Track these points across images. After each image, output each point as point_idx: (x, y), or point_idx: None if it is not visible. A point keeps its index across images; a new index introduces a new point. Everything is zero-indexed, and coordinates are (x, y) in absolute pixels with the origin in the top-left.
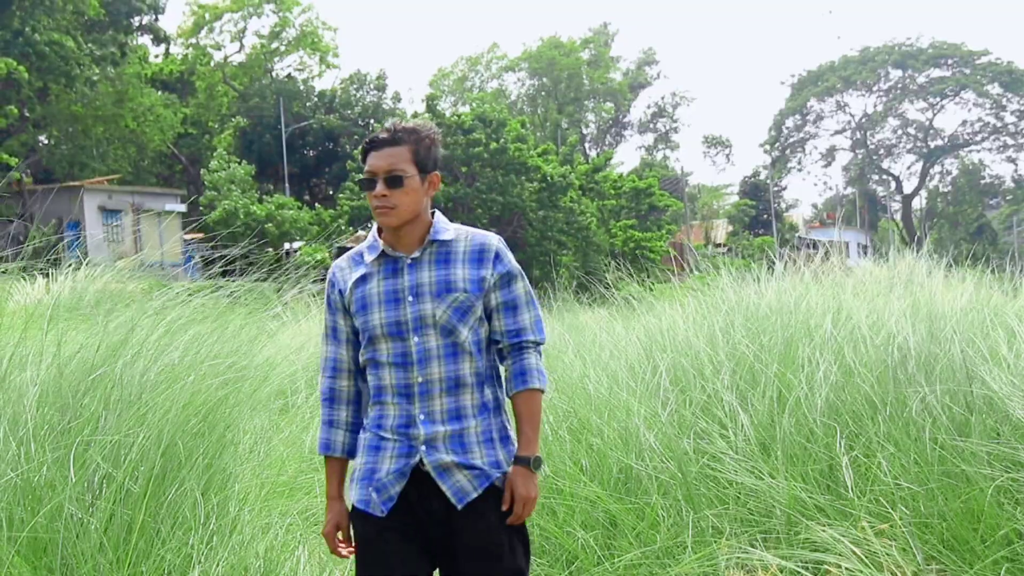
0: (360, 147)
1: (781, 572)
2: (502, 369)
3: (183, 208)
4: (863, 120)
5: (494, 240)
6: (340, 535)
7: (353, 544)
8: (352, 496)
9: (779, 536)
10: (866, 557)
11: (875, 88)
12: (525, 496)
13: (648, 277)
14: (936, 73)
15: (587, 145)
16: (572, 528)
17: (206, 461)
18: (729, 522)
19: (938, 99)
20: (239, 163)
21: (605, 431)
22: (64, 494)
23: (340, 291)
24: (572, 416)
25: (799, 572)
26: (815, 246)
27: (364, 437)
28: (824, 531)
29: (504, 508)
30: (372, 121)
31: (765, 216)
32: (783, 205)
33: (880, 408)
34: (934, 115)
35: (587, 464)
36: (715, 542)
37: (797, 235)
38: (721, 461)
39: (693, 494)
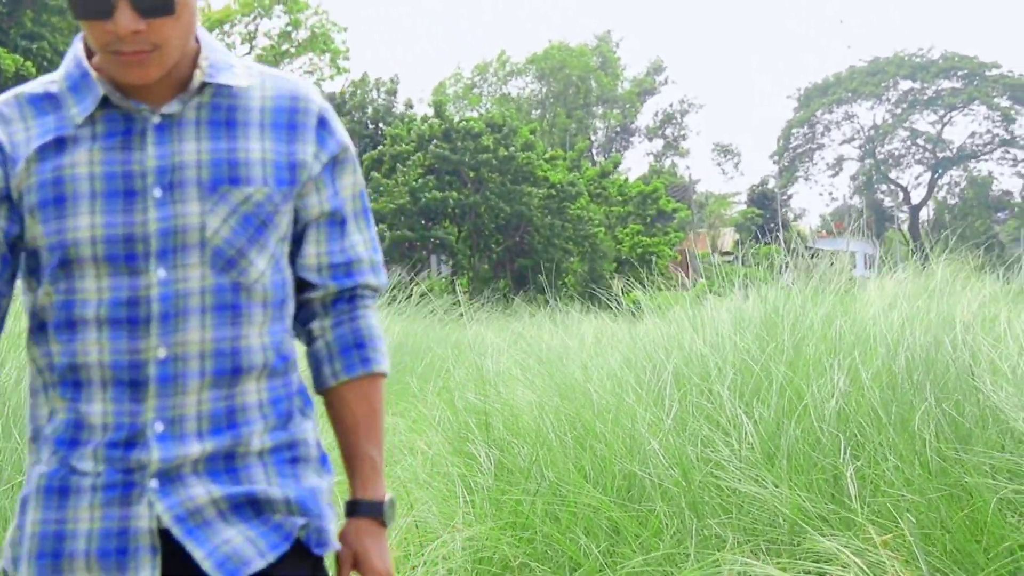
0: None
1: None
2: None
3: None
4: (871, 131)
5: (314, 93)
6: None
7: None
8: None
9: (782, 546)
10: (869, 568)
11: (884, 99)
12: (383, 573)
13: (655, 284)
14: (946, 84)
15: (595, 151)
16: (575, 534)
17: None
18: (732, 531)
19: (947, 111)
20: None
21: (609, 437)
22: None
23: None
24: (576, 421)
25: None
26: (822, 255)
27: (37, 472)
28: (827, 541)
29: None
30: (382, 124)
31: (772, 225)
32: (790, 214)
33: (885, 417)
34: (943, 126)
35: (590, 470)
36: (718, 551)
37: (805, 244)
38: (725, 469)
39: (697, 502)
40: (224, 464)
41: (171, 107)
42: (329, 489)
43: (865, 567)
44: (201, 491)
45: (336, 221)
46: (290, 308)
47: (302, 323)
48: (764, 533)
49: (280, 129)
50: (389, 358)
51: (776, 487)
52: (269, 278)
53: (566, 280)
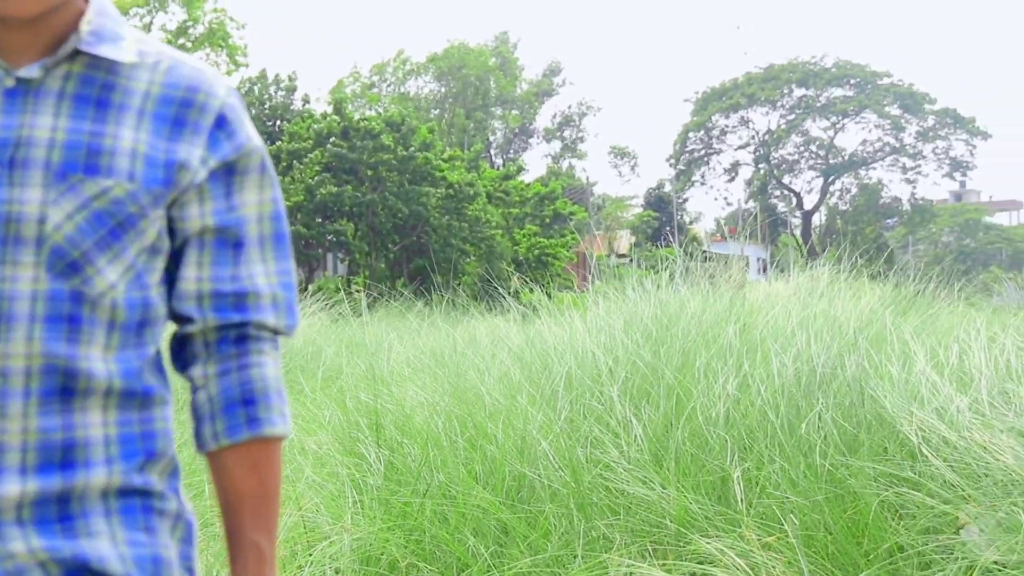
0: None
1: None
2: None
3: None
4: (766, 136)
5: (219, 87)
6: None
7: None
8: None
9: (668, 547)
10: (751, 570)
11: (779, 105)
12: None
13: (551, 285)
14: (839, 92)
15: (493, 152)
16: (464, 535)
17: None
18: (620, 532)
19: (840, 118)
20: None
21: (500, 438)
22: None
23: None
24: (468, 422)
25: None
26: (717, 259)
27: None
28: (711, 543)
29: None
30: (280, 121)
31: (668, 228)
32: (686, 218)
33: (774, 421)
34: (835, 133)
35: (481, 471)
36: (605, 552)
37: (700, 248)
38: (614, 471)
39: (585, 503)
40: (57, 510)
41: (30, 71)
42: (184, 563)
43: (748, 568)
44: (21, 547)
45: (227, 241)
46: (154, 335)
47: (183, 367)
48: (651, 534)
49: (163, 122)
50: (287, 414)
51: (663, 488)
52: (122, 294)
53: (463, 280)
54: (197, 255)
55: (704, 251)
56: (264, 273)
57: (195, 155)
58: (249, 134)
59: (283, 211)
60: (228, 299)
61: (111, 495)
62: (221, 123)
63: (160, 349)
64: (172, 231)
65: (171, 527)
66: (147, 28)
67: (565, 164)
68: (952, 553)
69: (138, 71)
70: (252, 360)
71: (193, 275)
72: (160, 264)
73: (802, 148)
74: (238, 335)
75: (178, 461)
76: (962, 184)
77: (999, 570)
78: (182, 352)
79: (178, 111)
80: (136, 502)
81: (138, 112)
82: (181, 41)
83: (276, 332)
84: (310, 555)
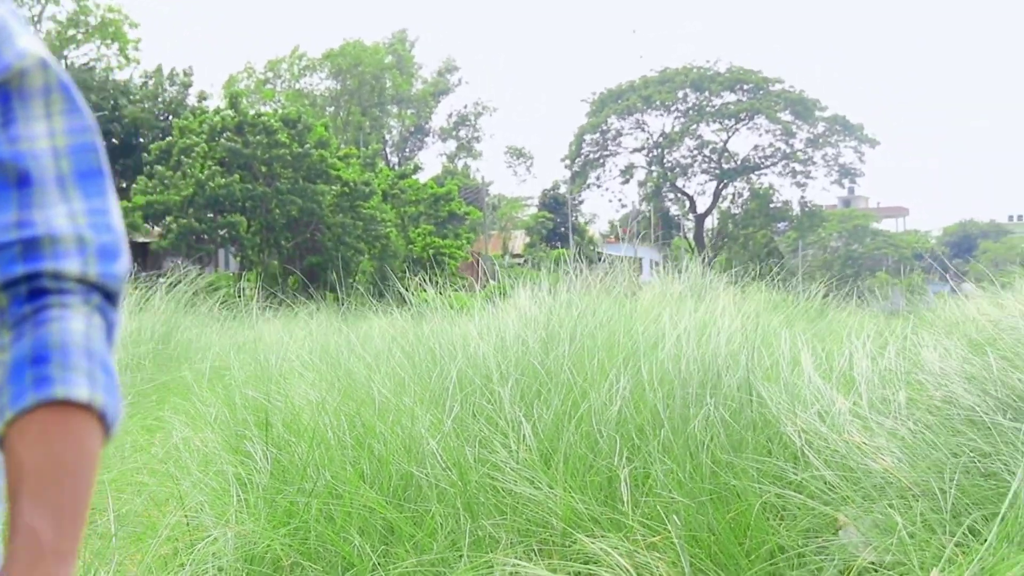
0: None
1: None
2: None
3: None
4: (661, 139)
5: None
6: None
7: None
8: None
9: (553, 547)
10: (636, 569)
11: (673, 109)
12: None
13: (446, 284)
14: (732, 97)
15: (388, 150)
16: (349, 534)
17: None
18: (506, 532)
19: (732, 122)
20: None
21: (388, 437)
22: None
23: None
24: (356, 420)
25: None
26: (610, 260)
27: None
28: (596, 543)
29: None
30: (172, 117)
31: (563, 229)
32: (581, 219)
33: (665, 422)
34: (728, 137)
35: (368, 470)
36: (491, 552)
37: (595, 249)
38: (502, 470)
39: (472, 503)
40: None
41: None
42: None
43: (632, 568)
44: None
45: (5, 181)
46: None
47: None
48: (537, 534)
49: None
50: (109, 385)
51: (551, 489)
52: None
53: (356, 279)
54: None
55: (598, 252)
56: (67, 214)
57: None
58: (21, 50)
59: (95, 143)
60: (14, 249)
61: None
62: None
63: None
64: None
65: None
66: (37, 18)
67: (461, 164)
68: (831, 554)
69: None
70: (52, 315)
71: None
72: None
73: (695, 152)
74: (31, 289)
75: None
76: (851, 190)
77: (875, 570)
78: None
79: None
80: None
81: None
82: (72, 32)
83: (82, 282)
84: (192, 552)
